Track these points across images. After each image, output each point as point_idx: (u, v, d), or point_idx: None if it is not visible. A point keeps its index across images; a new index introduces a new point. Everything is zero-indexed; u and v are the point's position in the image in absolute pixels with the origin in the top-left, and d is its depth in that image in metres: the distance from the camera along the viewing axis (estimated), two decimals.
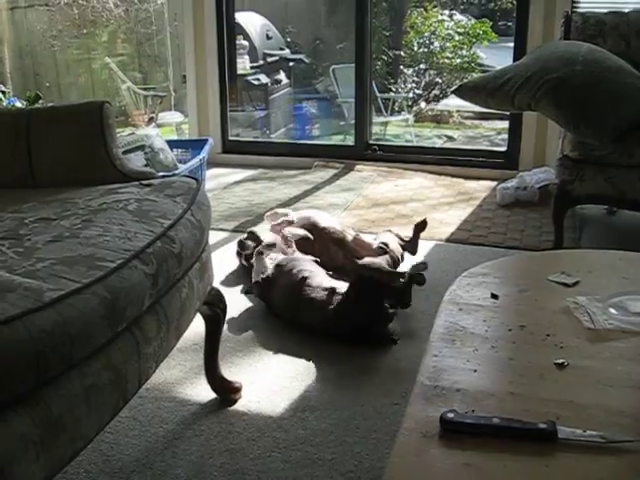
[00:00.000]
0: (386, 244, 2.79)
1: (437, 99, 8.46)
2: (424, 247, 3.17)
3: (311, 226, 2.84)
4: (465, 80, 3.33)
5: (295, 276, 2.44)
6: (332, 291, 2.34)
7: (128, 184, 1.69)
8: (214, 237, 3.30)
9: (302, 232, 2.76)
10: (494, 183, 4.16)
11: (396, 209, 3.72)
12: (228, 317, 2.43)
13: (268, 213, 3.13)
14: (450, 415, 0.87)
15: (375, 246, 2.81)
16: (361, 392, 2.04)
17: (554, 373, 1.02)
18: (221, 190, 4.14)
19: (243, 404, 1.98)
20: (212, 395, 2.01)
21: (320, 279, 2.42)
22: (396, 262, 2.77)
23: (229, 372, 2.14)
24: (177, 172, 3.14)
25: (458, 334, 1.13)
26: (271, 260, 2.61)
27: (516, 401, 0.94)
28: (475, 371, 1.02)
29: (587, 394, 0.96)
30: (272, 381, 2.10)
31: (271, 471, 1.71)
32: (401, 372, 2.12)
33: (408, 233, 3.05)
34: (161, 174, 1.76)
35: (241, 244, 2.89)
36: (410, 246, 2.91)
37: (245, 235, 2.94)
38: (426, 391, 0.97)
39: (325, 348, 2.28)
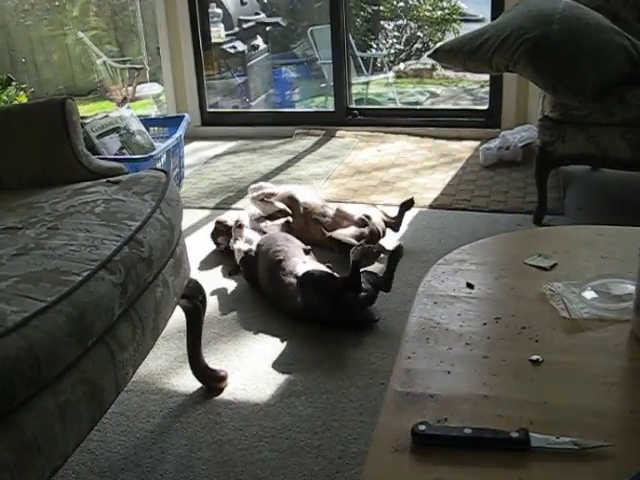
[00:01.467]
0: (368, 217, 2.77)
1: (419, 53, 8.36)
2: (407, 215, 3.14)
3: (291, 202, 2.81)
4: (441, 43, 3.24)
5: (272, 258, 2.41)
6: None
7: (96, 182, 1.65)
8: (195, 215, 3.28)
9: (281, 206, 2.74)
10: (477, 143, 4.13)
11: (379, 176, 3.68)
12: (212, 301, 2.43)
13: (253, 186, 3.09)
14: (421, 427, 0.86)
15: (357, 217, 2.78)
16: (346, 373, 2.03)
17: (528, 371, 1.00)
18: (202, 165, 4.10)
19: (229, 392, 1.98)
20: (198, 384, 2.00)
21: (294, 262, 2.37)
22: (375, 236, 2.75)
23: (215, 359, 2.13)
24: (154, 153, 3.09)
25: (432, 331, 1.11)
26: (243, 239, 2.59)
27: (489, 405, 0.93)
28: (449, 373, 1.01)
29: (561, 393, 0.95)
30: (257, 366, 2.09)
31: (259, 461, 1.71)
32: (385, 348, 2.11)
33: (391, 200, 3.04)
34: (133, 163, 1.71)
35: (215, 232, 2.84)
36: (394, 224, 2.88)
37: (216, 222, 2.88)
38: (398, 399, 0.95)
39: (309, 329, 2.27)
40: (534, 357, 1.03)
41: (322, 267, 2.36)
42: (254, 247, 2.54)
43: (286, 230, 2.67)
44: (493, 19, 4.09)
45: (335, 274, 2.28)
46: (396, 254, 2.31)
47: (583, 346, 1.06)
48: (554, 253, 1.38)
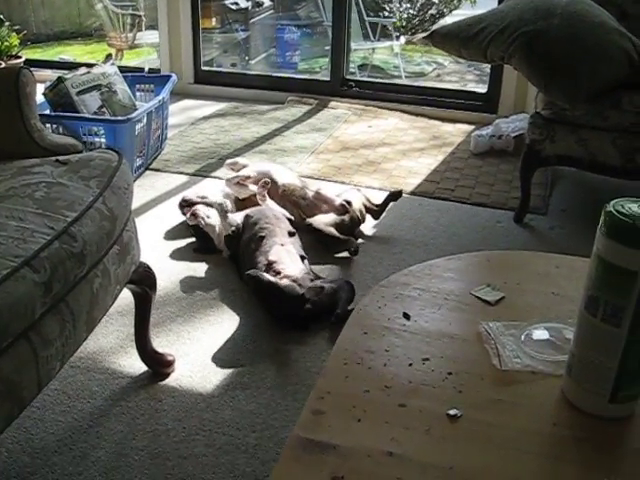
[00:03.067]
0: (349, 202, 2.70)
1: (433, 20, 8.19)
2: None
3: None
4: (438, 25, 3.14)
5: (256, 232, 2.39)
6: (269, 267, 2.27)
7: (44, 160, 1.59)
8: (173, 180, 3.22)
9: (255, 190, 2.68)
10: (471, 127, 4.05)
11: (365, 154, 3.61)
12: (173, 276, 2.39)
13: (229, 161, 3.02)
14: None
15: (337, 203, 2.72)
16: (297, 369, 2.00)
17: (443, 427, 0.96)
18: (188, 126, 4.01)
19: (175, 378, 1.95)
20: (145, 367, 1.97)
21: (272, 243, 2.33)
22: (355, 223, 2.70)
23: (166, 341, 2.09)
24: (133, 115, 3.01)
25: (353, 368, 1.07)
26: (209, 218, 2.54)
27: (392, 465, 0.89)
28: (359, 421, 0.96)
29: (471, 458, 0.91)
30: (208, 352, 2.05)
31: (192, 456, 1.68)
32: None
33: (372, 183, 2.98)
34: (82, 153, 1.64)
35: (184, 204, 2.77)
36: (375, 212, 2.82)
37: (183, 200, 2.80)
38: (298, 447, 0.91)
39: (269, 318, 2.23)
40: (452, 412, 0.98)
41: (294, 257, 2.31)
42: (240, 221, 2.49)
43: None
44: None
45: (282, 282, 2.19)
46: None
47: (507, 403, 1.01)
48: (504, 284, 1.33)
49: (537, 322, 1.19)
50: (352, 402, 1.00)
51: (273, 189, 2.73)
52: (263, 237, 2.35)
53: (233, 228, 2.48)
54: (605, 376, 0.96)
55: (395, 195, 2.85)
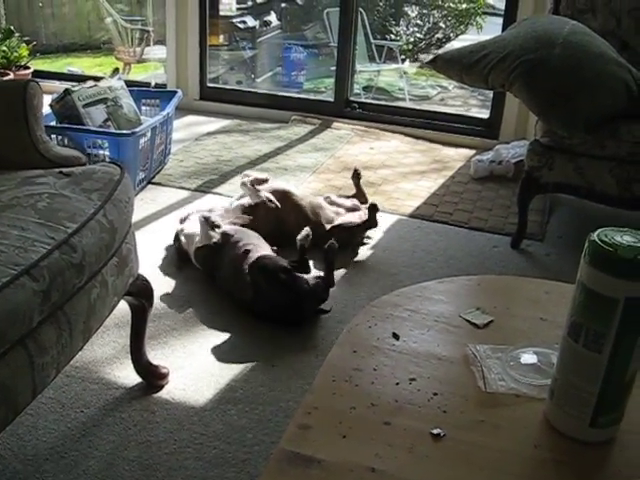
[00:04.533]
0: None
1: (439, 44, 8.27)
2: (386, 221, 3.12)
3: (281, 194, 2.80)
4: (441, 51, 3.18)
5: (240, 248, 2.39)
6: None
7: (48, 171, 1.62)
8: (174, 195, 3.26)
9: (268, 195, 2.73)
10: (472, 152, 4.09)
11: (366, 175, 3.61)
12: (171, 290, 2.41)
13: (246, 172, 3.03)
14: None
15: (349, 204, 2.92)
16: (291, 386, 2.02)
17: (426, 446, 0.98)
18: (192, 142, 4.05)
19: (168, 391, 1.97)
20: (139, 379, 1.99)
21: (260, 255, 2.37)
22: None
23: (161, 354, 2.12)
24: (137, 130, 3.05)
25: (341, 386, 1.09)
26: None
27: None
28: (344, 437, 0.98)
29: (454, 477, 0.93)
30: (202, 366, 2.07)
31: (182, 469, 1.70)
32: None
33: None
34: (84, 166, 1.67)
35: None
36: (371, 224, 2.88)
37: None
38: (284, 459, 0.93)
39: (264, 331, 2.25)
40: (436, 431, 1.00)
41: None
42: (216, 237, 2.49)
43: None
44: (506, 12, 4.05)
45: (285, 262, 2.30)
46: (331, 250, 2.33)
47: (490, 425, 1.03)
48: (494, 308, 1.35)
49: (523, 346, 1.21)
50: (338, 418, 1.02)
51: (290, 201, 2.77)
52: (249, 251, 2.37)
53: (212, 241, 2.48)
54: (586, 401, 0.98)
55: (372, 210, 2.87)
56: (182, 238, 2.63)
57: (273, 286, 2.24)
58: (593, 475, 0.97)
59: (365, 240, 2.91)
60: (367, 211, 2.85)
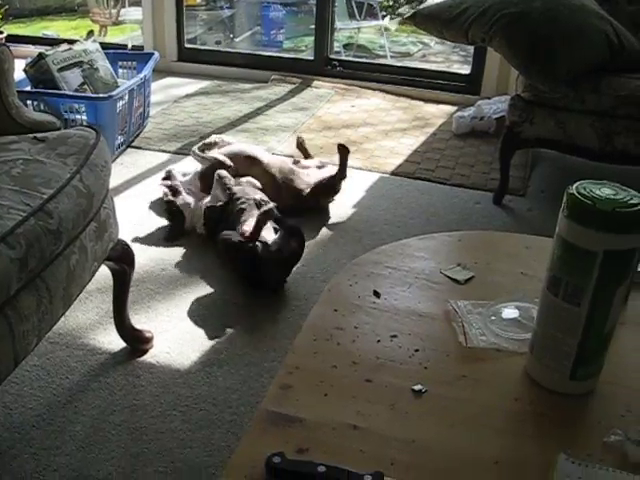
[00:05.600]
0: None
1: None
2: (368, 179, 3.11)
3: (252, 162, 2.74)
4: (420, 6, 3.14)
5: (236, 206, 2.42)
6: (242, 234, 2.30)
7: (22, 137, 1.59)
8: (155, 158, 3.22)
9: (220, 158, 2.69)
10: (454, 108, 4.07)
11: (347, 134, 3.62)
12: (153, 254, 2.40)
13: (209, 139, 2.99)
14: (276, 460, 0.84)
15: (316, 165, 2.83)
16: (275, 346, 2.02)
17: (408, 402, 0.98)
18: (170, 104, 4.00)
19: (153, 355, 1.97)
20: (123, 344, 1.99)
21: (247, 217, 2.35)
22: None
23: (145, 317, 2.11)
24: (114, 92, 3.00)
25: (323, 344, 1.09)
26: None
27: (356, 438, 0.91)
28: (326, 395, 0.98)
29: (433, 432, 0.93)
30: (186, 329, 2.07)
31: (169, 431, 1.70)
32: None
33: (353, 163, 3.00)
34: (59, 132, 1.64)
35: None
36: (340, 173, 2.81)
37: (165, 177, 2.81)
38: (266, 419, 0.94)
39: (248, 294, 2.25)
40: (417, 387, 1.01)
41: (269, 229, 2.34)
42: (226, 198, 2.49)
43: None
44: None
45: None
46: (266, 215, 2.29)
47: (471, 379, 1.03)
48: (475, 264, 1.35)
49: (504, 301, 1.21)
50: (320, 377, 1.02)
51: (258, 168, 2.73)
52: (243, 210, 2.37)
53: (220, 203, 2.48)
54: (566, 354, 0.99)
55: (343, 151, 2.80)
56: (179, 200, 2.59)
57: (234, 260, 2.28)
58: (573, 427, 0.98)
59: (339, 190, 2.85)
60: (338, 155, 2.80)
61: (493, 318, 1.17)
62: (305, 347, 1.09)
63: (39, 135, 1.59)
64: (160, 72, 4.25)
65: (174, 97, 4.12)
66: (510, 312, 1.19)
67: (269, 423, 0.93)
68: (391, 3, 7.96)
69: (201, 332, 2.06)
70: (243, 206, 2.39)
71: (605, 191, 0.92)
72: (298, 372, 1.03)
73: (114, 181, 2.87)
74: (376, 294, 1.24)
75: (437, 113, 4.01)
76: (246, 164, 2.72)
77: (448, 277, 1.31)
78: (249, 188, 2.53)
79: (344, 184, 2.82)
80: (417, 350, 1.09)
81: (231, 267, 2.33)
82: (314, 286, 2.29)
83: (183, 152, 3.30)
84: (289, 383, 1.01)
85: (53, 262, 1.38)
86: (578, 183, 0.96)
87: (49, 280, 1.38)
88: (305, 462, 0.86)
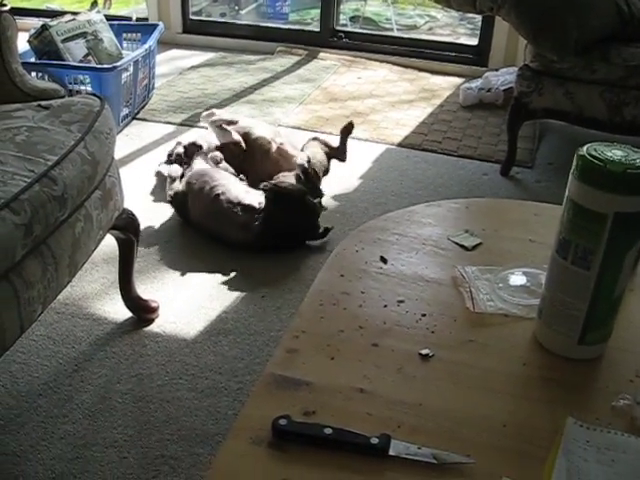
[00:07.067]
0: (308, 160, 2.61)
1: None
2: (374, 150, 3.09)
3: (245, 135, 2.70)
4: None
5: (209, 194, 2.32)
6: (252, 209, 2.28)
7: (26, 105, 1.58)
8: (160, 130, 3.20)
9: (237, 138, 2.64)
10: (461, 80, 4.03)
11: (353, 105, 3.59)
12: (159, 225, 2.39)
13: (205, 113, 2.94)
14: (282, 422, 0.84)
15: (298, 161, 2.65)
16: (280, 315, 2.02)
17: (415, 366, 0.98)
18: (176, 76, 3.97)
19: (159, 324, 1.97)
20: (129, 313, 1.99)
21: (235, 193, 2.33)
22: (318, 176, 2.64)
23: (151, 287, 2.11)
24: (119, 64, 2.98)
25: (328, 309, 1.08)
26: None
27: (363, 401, 0.91)
28: (332, 359, 0.98)
29: (440, 396, 0.93)
30: (192, 299, 2.07)
31: (175, 400, 1.71)
32: None
33: (360, 134, 2.94)
34: (62, 100, 1.63)
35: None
36: (339, 153, 2.71)
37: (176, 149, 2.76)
38: (272, 382, 0.93)
39: (254, 264, 2.25)
40: (424, 351, 1.00)
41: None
42: (182, 185, 2.43)
43: (234, 150, 2.60)
44: None
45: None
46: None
47: (478, 344, 1.03)
48: (483, 230, 1.34)
49: (512, 267, 1.20)
50: (326, 341, 1.01)
51: (247, 141, 2.67)
52: (220, 194, 2.31)
53: (171, 193, 2.44)
54: (574, 318, 0.98)
55: (347, 129, 2.71)
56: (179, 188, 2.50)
57: (290, 209, 2.28)
58: (581, 392, 0.98)
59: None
60: (340, 136, 2.72)
61: (501, 284, 1.16)
62: (311, 312, 1.09)
63: (43, 103, 1.58)
64: (165, 44, 4.22)
65: (179, 69, 4.09)
66: (518, 278, 1.19)
67: (275, 386, 0.93)
68: None
69: (207, 302, 2.06)
70: (217, 191, 2.34)
71: (616, 153, 0.91)
72: (304, 336, 1.03)
73: (119, 153, 2.86)
74: (383, 260, 1.23)
75: (444, 85, 3.97)
76: (247, 142, 2.66)
77: (456, 243, 1.30)
78: (210, 176, 2.44)
79: (351, 154, 2.77)
80: (424, 315, 1.09)
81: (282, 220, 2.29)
82: (320, 256, 2.29)
83: (188, 124, 3.29)
84: (295, 347, 1.00)
85: (58, 229, 1.38)
86: (589, 144, 0.94)
87: (54, 247, 1.38)
88: (312, 424, 0.85)
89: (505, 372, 0.98)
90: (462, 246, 1.29)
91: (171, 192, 2.45)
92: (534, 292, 1.13)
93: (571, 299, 0.97)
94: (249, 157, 2.64)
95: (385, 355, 1.00)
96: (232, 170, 2.49)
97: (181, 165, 2.58)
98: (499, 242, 1.32)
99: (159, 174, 2.70)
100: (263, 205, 2.27)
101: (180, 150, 2.65)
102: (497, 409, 0.92)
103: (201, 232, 2.38)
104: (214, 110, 2.88)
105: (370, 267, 1.21)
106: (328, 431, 0.84)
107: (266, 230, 2.23)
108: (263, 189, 2.27)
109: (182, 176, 2.49)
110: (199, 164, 2.49)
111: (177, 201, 2.43)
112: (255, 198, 2.30)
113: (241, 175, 2.50)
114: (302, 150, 2.66)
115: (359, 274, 1.19)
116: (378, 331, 1.05)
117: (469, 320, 1.08)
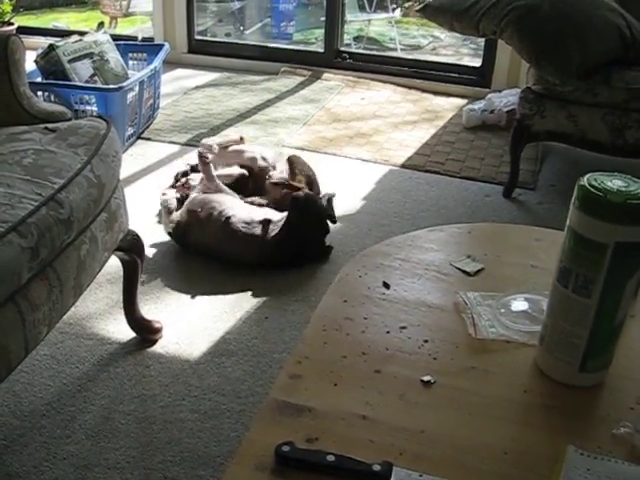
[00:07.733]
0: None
1: None
2: (377, 171, 3.11)
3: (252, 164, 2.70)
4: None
5: (218, 219, 2.32)
6: (267, 222, 2.31)
7: (33, 127, 1.60)
8: (164, 150, 3.23)
9: (240, 171, 2.65)
10: (464, 101, 4.05)
11: (357, 126, 3.61)
12: (164, 246, 2.41)
13: (203, 141, 2.86)
14: (285, 448, 0.85)
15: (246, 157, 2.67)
16: (283, 337, 2.03)
17: (417, 393, 0.98)
18: (181, 96, 4.01)
19: (162, 345, 1.97)
20: (133, 334, 1.99)
21: (246, 212, 2.35)
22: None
23: (154, 309, 2.12)
24: (125, 84, 3.01)
25: (332, 335, 1.09)
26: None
27: (365, 428, 0.92)
28: (335, 385, 0.99)
29: (442, 423, 0.93)
30: (195, 320, 2.08)
31: (178, 421, 1.71)
32: None
33: (362, 155, 2.97)
34: (68, 122, 1.65)
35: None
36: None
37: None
38: (275, 408, 0.94)
39: (259, 286, 2.26)
40: (426, 378, 1.01)
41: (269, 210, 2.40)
42: (181, 215, 2.41)
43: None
44: None
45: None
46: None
47: (480, 370, 1.03)
48: (485, 256, 1.35)
49: (514, 293, 1.21)
50: (329, 367, 1.02)
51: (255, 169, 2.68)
52: (230, 217, 2.32)
53: (172, 225, 2.42)
54: (575, 346, 0.98)
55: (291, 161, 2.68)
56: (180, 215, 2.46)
57: (312, 219, 2.38)
58: (582, 419, 0.98)
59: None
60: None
61: (502, 310, 1.17)
62: (315, 337, 1.09)
63: (50, 125, 1.60)
64: (170, 64, 4.25)
65: (184, 89, 4.12)
66: (520, 304, 1.19)
67: (278, 412, 0.94)
68: None
69: (210, 323, 2.07)
70: (227, 214, 2.35)
71: (616, 183, 0.92)
72: (307, 362, 1.04)
73: (124, 172, 2.85)
74: (385, 285, 1.24)
75: (447, 106, 4.00)
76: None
77: (458, 269, 1.31)
78: (215, 200, 2.44)
79: (353, 175, 2.80)
80: (426, 341, 1.10)
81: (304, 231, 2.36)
82: (323, 278, 2.30)
83: (192, 144, 3.31)
84: (298, 373, 1.01)
85: (64, 252, 1.39)
86: (589, 175, 0.95)
87: (60, 269, 1.39)
88: (314, 451, 0.86)
89: (506, 399, 0.99)
90: (464, 272, 1.30)
91: (172, 224, 2.42)
92: (535, 318, 1.14)
93: (572, 327, 0.98)
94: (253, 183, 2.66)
95: (387, 382, 1.01)
96: (229, 191, 2.49)
97: (185, 185, 2.59)
98: (501, 267, 1.32)
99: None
100: (279, 216, 2.33)
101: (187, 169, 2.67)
102: (498, 436, 0.92)
103: (211, 257, 2.37)
104: (211, 140, 2.81)
105: (373, 293, 1.22)
106: (330, 458, 0.84)
107: (285, 239, 2.28)
108: (295, 196, 2.35)
109: (179, 203, 2.49)
110: (196, 192, 2.50)
111: (178, 231, 2.42)
112: (263, 212, 2.34)
113: (240, 195, 2.51)
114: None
115: (362, 300, 1.19)
116: (381, 357, 1.05)
117: (471, 346, 1.09)
